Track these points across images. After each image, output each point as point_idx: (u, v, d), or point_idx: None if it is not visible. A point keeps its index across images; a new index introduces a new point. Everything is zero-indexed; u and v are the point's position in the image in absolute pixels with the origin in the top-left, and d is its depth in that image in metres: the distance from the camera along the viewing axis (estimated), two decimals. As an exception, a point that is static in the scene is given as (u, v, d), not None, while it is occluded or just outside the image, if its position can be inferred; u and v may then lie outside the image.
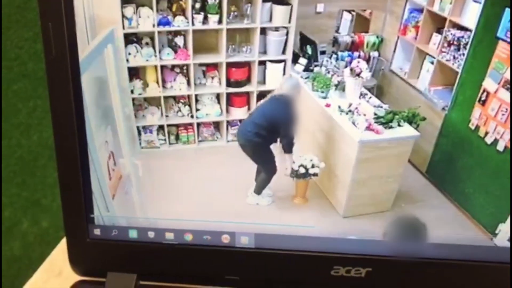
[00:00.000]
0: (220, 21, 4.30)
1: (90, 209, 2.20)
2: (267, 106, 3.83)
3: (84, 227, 2.15)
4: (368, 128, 3.92)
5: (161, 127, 4.66)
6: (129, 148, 3.76)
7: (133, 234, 2.32)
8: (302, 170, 4.12)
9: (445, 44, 4.25)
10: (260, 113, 3.86)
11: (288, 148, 3.80)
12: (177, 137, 4.83)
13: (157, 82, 4.46)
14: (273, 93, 3.89)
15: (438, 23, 4.35)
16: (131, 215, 3.08)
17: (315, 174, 4.18)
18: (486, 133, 3.86)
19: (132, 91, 4.35)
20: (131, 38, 4.23)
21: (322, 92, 4.24)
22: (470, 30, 3.92)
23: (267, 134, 3.81)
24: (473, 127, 3.98)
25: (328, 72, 4.37)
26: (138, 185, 4.00)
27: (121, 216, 2.88)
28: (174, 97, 4.75)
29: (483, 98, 3.84)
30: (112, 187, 2.90)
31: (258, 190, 4.35)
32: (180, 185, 4.40)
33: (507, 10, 3.27)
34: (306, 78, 4.42)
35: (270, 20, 4.40)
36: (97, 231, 2.26)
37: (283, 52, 4.55)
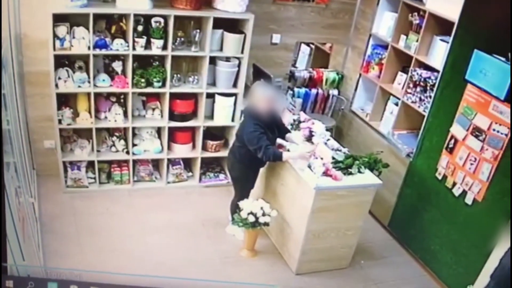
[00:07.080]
0: (164, 47, 3.98)
1: (3, 256, 1.86)
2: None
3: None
4: (326, 173, 3.60)
5: (91, 164, 4.21)
6: (24, 184, 3.27)
7: (52, 288, 1.84)
8: (252, 219, 3.71)
9: (411, 85, 4.02)
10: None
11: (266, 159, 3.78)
12: (109, 176, 4.39)
13: (89, 112, 4.05)
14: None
15: (404, 61, 4.15)
16: (38, 264, 2.93)
17: (266, 224, 3.79)
18: (454, 184, 3.57)
19: (60, 121, 3.89)
20: (62, 61, 3.81)
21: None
22: (438, 71, 3.71)
23: (238, 147, 3.87)
24: (440, 177, 3.70)
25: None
26: (38, 229, 3.49)
27: (36, 266, 2.74)
28: (108, 130, 4.35)
29: (450, 146, 3.56)
30: (20, 230, 2.55)
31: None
32: (103, 232, 3.95)
33: (476, 51, 3.01)
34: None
35: (221, 49, 4.13)
36: (9, 284, 1.90)
37: (234, 84, 4.25)
